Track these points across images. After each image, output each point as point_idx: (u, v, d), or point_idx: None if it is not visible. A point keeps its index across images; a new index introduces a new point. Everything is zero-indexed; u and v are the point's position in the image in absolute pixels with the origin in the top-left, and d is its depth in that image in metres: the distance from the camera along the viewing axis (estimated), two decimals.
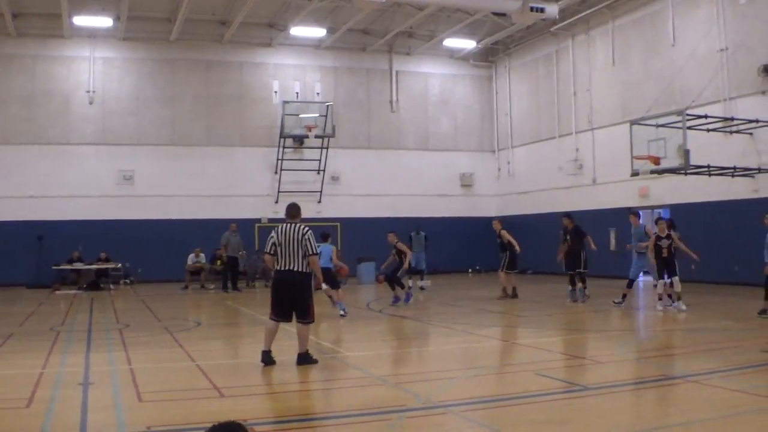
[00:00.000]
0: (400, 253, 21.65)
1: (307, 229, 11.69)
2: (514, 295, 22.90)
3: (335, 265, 20.21)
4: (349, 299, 25.26)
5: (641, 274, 22.44)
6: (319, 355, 12.78)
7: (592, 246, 21.53)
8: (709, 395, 9.25)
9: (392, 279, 21.69)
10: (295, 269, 11.51)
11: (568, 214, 22.13)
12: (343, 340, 14.82)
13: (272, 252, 11.69)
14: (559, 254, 21.71)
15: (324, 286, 18.51)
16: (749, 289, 23.05)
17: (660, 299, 19.11)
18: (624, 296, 19.83)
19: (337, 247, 20.93)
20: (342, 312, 18.97)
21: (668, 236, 18.89)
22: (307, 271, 11.63)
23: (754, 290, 22.74)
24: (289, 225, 11.74)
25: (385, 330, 17.07)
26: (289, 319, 11.68)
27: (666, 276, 18.71)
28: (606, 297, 21.24)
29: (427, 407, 8.88)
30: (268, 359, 11.53)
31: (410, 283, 23.71)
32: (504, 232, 23.15)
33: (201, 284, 30.37)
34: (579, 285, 21.30)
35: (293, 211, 12.12)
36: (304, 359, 11.53)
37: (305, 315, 11.59)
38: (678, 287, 18.65)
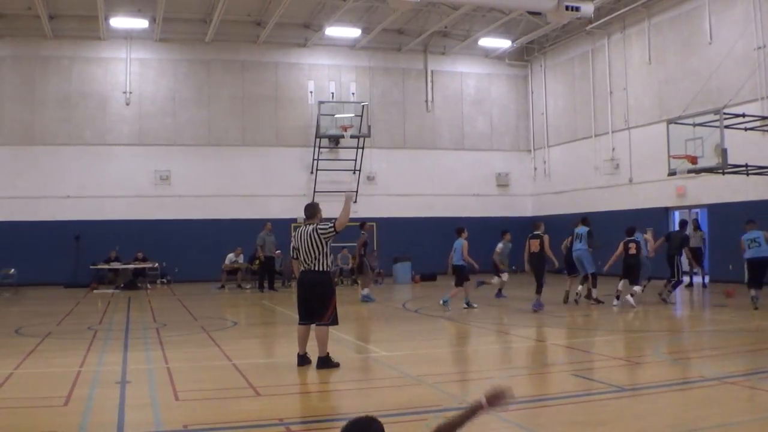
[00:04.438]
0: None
1: (313, 227, 11.50)
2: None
3: (466, 262, 20.50)
4: (384, 298, 25.33)
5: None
6: (355, 355, 12.82)
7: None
8: (748, 397, 9.18)
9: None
10: (313, 269, 11.42)
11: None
12: (379, 340, 14.83)
13: (295, 256, 11.72)
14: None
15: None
16: None
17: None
18: None
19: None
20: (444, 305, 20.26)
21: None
22: (326, 270, 11.51)
23: None
24: (304, 227, 11.67)
25: (421, 330, 17.04)
26: (313, 320, 11.53)
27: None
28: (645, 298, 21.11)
29: (463, 407, 8.85)
30: (303, 362, 11.54)
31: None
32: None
33: (237, 284, 30.51)
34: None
35: (309, 211, 11.97)
36: (324, 363, 11.32)
37: (323, 316, 11.37)
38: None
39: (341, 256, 31.18)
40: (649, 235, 23.50)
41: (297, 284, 11.78)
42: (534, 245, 20.10)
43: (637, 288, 20.44)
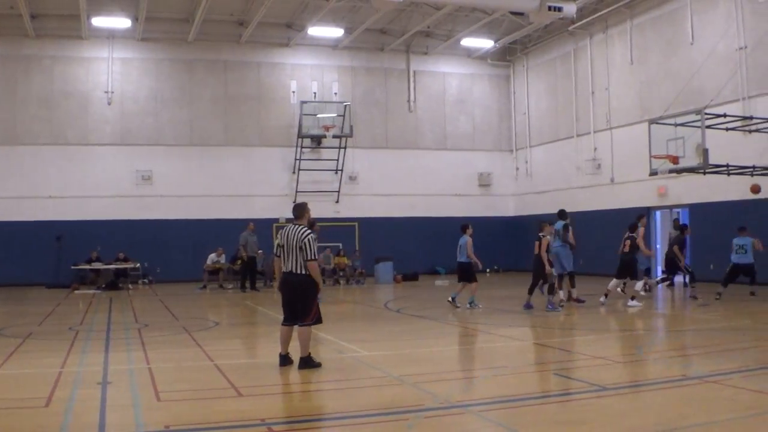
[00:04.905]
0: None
1: (307, 232, 11.42)
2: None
3: (470, 259, 20.38)
4: (366, 299, 25.35)
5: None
6: (337, 355, 12.80)
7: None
8: (730, 395, 9.20)
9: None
10: (296, 271, 11.34)
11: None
12: (361, 340, 14.80)
13: (278, 254, 11.66)
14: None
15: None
16: None
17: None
18: None
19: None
20: (470, 305, 20.24)
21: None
22: (306, 273, 11.36)
23: None
24: (292, 226, 11.58)
25: (403, 330, 17.04)
26: (296, 322, 11.51)
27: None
28: (621, 297, 21.17)
29: (445, 407, 8.87)
30: (284, 362, 11.52)
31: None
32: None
33: (219, 284, 30.45)
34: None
35: (297, 211, 11.85)
36: (306, 363, 11.31)
37: (305, 317, 11.35)
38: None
39: (323, 256, 31.15)
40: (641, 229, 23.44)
41: (280, 285, 11.71)
42: (536, 246, 19.86)
43: (638, 285, 20.42)
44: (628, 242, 20.58)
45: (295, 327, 11.45)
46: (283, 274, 11.54)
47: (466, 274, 20.44)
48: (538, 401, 9.22)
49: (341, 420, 8.38)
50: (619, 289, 21.30)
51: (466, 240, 20.35)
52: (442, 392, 9.59)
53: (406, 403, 9.07)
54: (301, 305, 11.39)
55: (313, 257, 11.32)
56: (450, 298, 20.49)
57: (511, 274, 34.85)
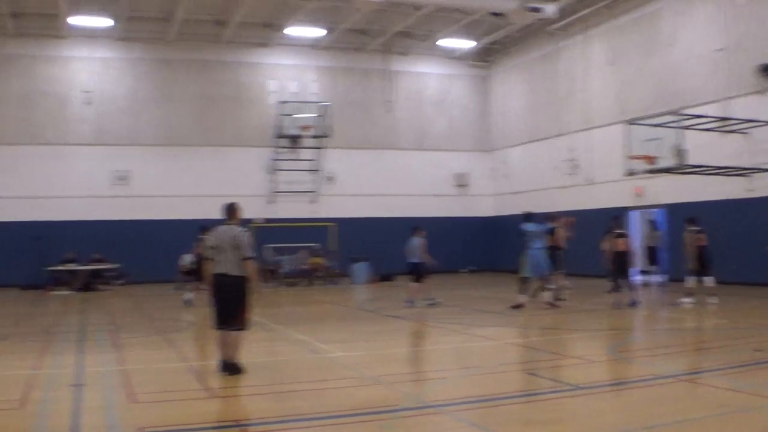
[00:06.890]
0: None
1: (242, 230, 11.23)
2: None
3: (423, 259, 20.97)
4: (342, 299, 25.35)
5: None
6: (312, 356, 12.80)
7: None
8: (702, 394, 9.27)
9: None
10: (227, 273, 10.98)
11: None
12: (336, 340, 14.79)
13: (211, 256, 11.19)
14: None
15: None
16: (745, 288, 23.12)
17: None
18: None
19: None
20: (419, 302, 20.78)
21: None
22: (241, 274, 11.01)
23: (750, 289, 22.86)
24: (225, 227, 11.30)
25: (378, 330, 17.02)
26: (230, 325, 11.11)
27: None
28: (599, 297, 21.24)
29: (419, 407, 8.89)
30: (226, 368, 11.04)
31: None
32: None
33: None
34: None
35: (228, 211, 11.61)
36: (233, 368, 10.95)
37: (236, 321, 10.97)
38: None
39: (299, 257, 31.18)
40: (561, 224, 22.81)
41: (214, 288, 11.16)
42: (620, 244, 19.53)
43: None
44: (702, 236, 19.71)
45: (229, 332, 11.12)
46: (216, 275, 11.10)
47: (417, 273, 21.03)
48: (512, 401, 9.24)
49: (316, 421, 8.36)
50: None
51: (420, 241, 21.01)
52: (417, 392, 9.61)
53: (381, 404, 9.08)
54: (232, 308, 11.02)
55: (250, 255, 11.07)
56: (428, 303, 20.74)
57: (488, 274, 34.90)
